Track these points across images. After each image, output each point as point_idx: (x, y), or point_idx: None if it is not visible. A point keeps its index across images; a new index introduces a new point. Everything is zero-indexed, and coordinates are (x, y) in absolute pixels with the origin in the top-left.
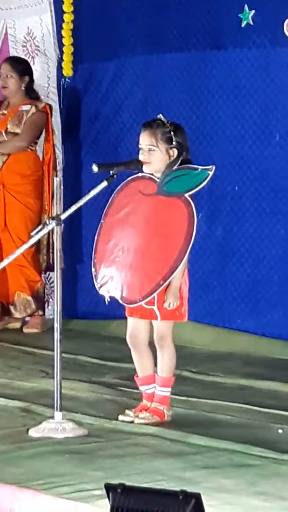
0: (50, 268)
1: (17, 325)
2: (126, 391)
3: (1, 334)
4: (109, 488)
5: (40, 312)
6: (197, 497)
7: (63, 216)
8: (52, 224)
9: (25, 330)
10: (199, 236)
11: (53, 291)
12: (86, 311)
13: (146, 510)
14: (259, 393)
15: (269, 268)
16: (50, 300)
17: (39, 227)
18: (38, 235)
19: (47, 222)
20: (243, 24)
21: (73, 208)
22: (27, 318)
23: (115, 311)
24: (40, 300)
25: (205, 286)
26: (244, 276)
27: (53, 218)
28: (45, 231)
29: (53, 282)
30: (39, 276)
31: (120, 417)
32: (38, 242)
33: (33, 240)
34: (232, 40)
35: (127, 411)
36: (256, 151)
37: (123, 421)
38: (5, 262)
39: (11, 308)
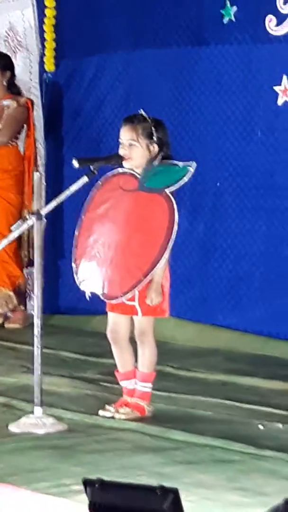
0: (32, 263)
1: None
2: (107, 386)
3: None
4: (87, 483)
5: (22, 307)
6: (175, 493)
7: (43, 211)
8: (32, 219)
9: (6, 325)
10: (181, 232)
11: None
12: (68, 307)
13: (124, 505)
14: (240, 389)
15: (251, 264)
16: (32, 295)
17: (19, 222)
18: (19, 230)
19: (28, 217)
20: (225, 20)
21: (54, 203)
22: (9, 314)
23: (97, 306)
24: (22, 296)
25: (187, 282)
26: (226, 272)
27: (33, 213)
28: (25, 226)
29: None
30: (21, 271)
31: (101, 412)
32: (20, 237)
33: (13, 235)
34: (214, 36)
35: (107, 406)
36: (238, 147)
37: (103, 416)
38: None
39: None
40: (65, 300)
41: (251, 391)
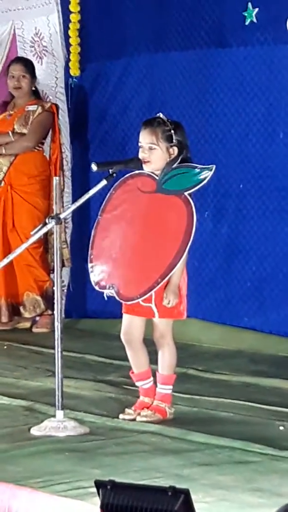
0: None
1: (27, 324)
2: (130, 389)
3: (11, 334)
4: (99, 484)
5: (49, 312)
6: (186, 493)
7: (62, 215)
8: (51, 223)
9: (34, 329)
10: (205, 234)
11: (63, 291)
12: (95, 310)
13: (135, 506)
14: (263, 391)
15: (274, 265)
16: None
17: (39, 226)
18: (38, 234)
19: (47, 221)
20: (247, 22)
21: (73, 206)
22: (37, 318)
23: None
24: (49, 300)
25: (211, 284)
26: (249, 274)
27: (52, 217)
28: (44, 230)
29: (62, 281)
30: (48, 275)
31: (121, 416)
32: (46, 241)
33: (32, 239)
34: (236, 38)
35: (127, 410)
36: (260, 149)
37: (124, 419)
38: (5, 262)
39: (21, 308)
40: (92, 304)
41: (274, 393)
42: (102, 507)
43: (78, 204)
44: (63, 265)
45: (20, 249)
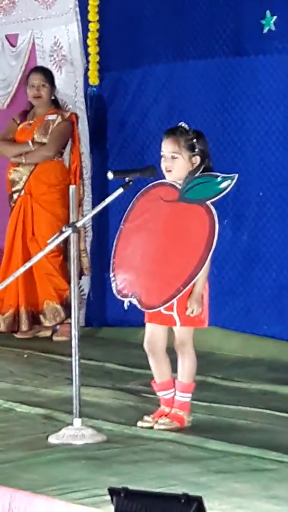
0: (79, 275)
1: (48, 333)
2: (149, 397)
3: (32, 342)
4: (112, 492)
5: (69, 320)
6: (199, 501)
7: (79, 223)
8: (68, 231)
9: (54, 338)
10: (225, 242)
11: (83, 299)
12: (115, 319)
13: None
14: (281, 398)
15: None
16: (80, 308)
17: (56, 235)
18: (54, 242)
19: (64, 230)
20: (265, 30)
21: (89, 215)
22: (57, 327)
23: (143, 318)
24: (69, 308)
25: (231, 292)
26: (269, 282)
27: (69, 226)
28: (61, 238)
29: (82, 290)
30: (68, 284)
31: (139, 424)
32: (66, 250)
33: (49, 247)
34: (254, 46)
35: (145, 417)
36: (279, 157)
37: (142, 427)
38: (22, 270)
39: (41, 316)
40: (112, 313)
41: None
42: None
43: (94, 212)
44: (82, 274)
45: (37, 257)
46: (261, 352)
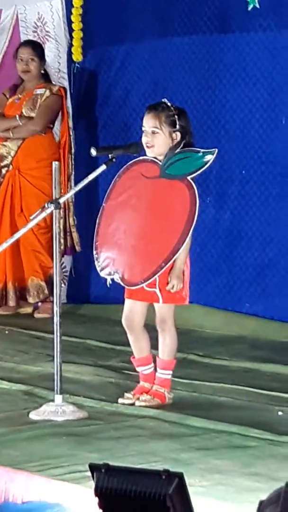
0: (67, 252)
1: (29, 310)
2: (130, 374)
3: (13, 319)
4: (93, 468)
5: (52, 298)
6: (180, 477)
7: (61, 200)
8: (50, 208)
9: (36, 315)
10: (208, 220)
11: (66, 276)
12: (98, 296)
13: (129, 489)
14: (263, 376)
15: (276, 251)
16: (63, 285)
17: (38, 211)
18: (37, 218)
19: (46, 206)
20: (250, 7)
21: (72, 191)
22: (39, 303)
23: None
24: (53, 286)
25: (214, 270)
26: (252, 260)
27: (51, 202)
28: (43, 215)
29: (64, 267)
30: (53, 261)
31: (120, 400)
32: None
33: (31, 224)
34: (239, 23)
35: (126, 394)
36: (263, 134)
37: (123, 404)
38: (4, 246)
39: (26, 293)
40: (94, 290)
41: (274, 378)
42: (96, 490)
43: (76, 189)
44: (73, 249)
45: (19, 233)
46: (243, 330)
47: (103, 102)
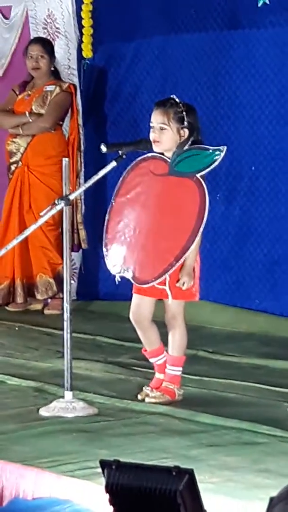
0: (74, 249)
1: (39, 306)
2: (140, 371)
3: (23, 315)
4: (104, 464)
5: (61, 295)
6: (190, 473)
7: (71, 196)
8: (60, 204)
9: (46, 311)
10: (217, 217)
11: (75, 273)
12: (107, 292)
13: (140, 486)
14: (272, 373)
15: (286, 248)
16: (72, 282)
17: (48, 207)
18: (47, 215)
19: (56, 202)
20: (260, 3)
21: (82, 188)
22: (49, 300)
23: None
24: (61, 283)
25: (223, 266)
26: (261, 256)
27: (61, 199)
28: (53, 211)
29: (74, 263)
30: (62, 258)
31: (139, 397)
32: (62, 224)
33: (41, 220)
34: (249, 20)
35: (144, 389)
36: (272, 131)
37: (143, 400)
38: (14, 243)
39: (35, 289)
40: (104, 286)
41: (283, 375)
42: (107, 486)
43: (87, 185)
44: (80, 246)
45: (29, 230)
46: (252, 327)
47: (112, 99)
